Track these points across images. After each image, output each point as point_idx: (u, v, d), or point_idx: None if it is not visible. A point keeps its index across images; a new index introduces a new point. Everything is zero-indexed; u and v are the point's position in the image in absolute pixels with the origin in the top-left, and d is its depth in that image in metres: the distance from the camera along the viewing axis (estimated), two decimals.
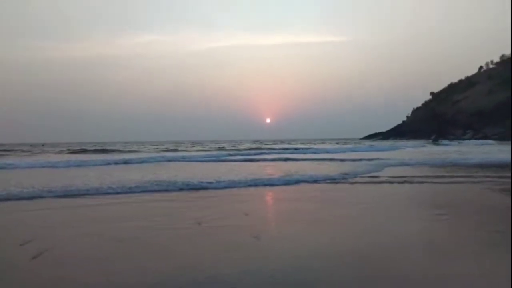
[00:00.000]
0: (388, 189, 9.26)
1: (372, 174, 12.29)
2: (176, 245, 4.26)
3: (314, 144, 54.98)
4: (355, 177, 11.49)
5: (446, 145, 45.50)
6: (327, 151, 29.77)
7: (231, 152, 28.33)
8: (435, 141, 60.70)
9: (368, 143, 61.36)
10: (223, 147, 39.43)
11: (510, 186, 9.27)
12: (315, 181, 10.62)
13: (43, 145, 58.68)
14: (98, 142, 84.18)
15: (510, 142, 41.09)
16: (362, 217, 5.85)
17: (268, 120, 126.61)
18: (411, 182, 10.25)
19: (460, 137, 78.58)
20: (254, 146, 42.81)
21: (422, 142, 57.62)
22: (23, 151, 36.50)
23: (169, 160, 20.77)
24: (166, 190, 8.96)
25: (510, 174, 11.56)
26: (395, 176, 11.37)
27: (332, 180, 10.83)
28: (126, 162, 18.78)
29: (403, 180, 10.54)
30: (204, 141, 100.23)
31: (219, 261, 3.69)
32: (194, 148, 38.96)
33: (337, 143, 55.47)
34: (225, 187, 9.51)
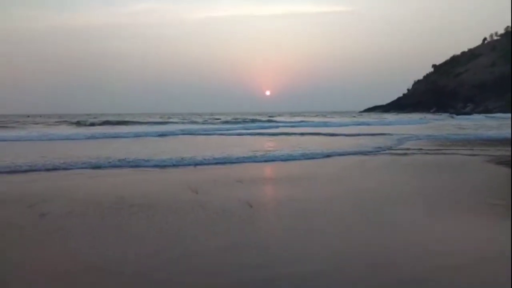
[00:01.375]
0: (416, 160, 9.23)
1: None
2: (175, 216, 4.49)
3: (316, 116, 54.08)
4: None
5: (462, 118, 43.97)
6: (350, 125, 28.99)
7: (248, 125, 27.55)
8: (451, 115, 56.56)
9: (375, 115, 60.30)
10: (237, 119, 37.84)
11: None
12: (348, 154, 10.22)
13: (28, 117, 56.95)
14: (94, 114, 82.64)
15: None
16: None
17: (267, 93, 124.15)
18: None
19: (460, 111, 77.63)
20: (261, 118, 41.55)
21: (444, 115, 54.70)
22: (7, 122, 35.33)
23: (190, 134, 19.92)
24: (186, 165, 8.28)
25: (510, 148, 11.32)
26: (431, 149, 11.12)
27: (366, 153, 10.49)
28: (161, 134, 18.48)
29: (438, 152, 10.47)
30: (203, 113, 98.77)
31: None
32: (210, 120, 37.77)
33: (353, 117, 54.22)
34: (283, 160, 9.12)
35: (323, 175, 7.38)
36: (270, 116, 51.93)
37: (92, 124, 29.02)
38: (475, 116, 49.54)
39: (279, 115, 71.69)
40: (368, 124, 30.46)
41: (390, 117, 49.91)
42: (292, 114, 75.53)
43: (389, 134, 17.31)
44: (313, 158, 9.55)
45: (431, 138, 15.82)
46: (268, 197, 5.84)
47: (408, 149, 11.29)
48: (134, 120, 37.21)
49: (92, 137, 17.01)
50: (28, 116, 57.28)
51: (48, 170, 7.70)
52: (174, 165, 8.28)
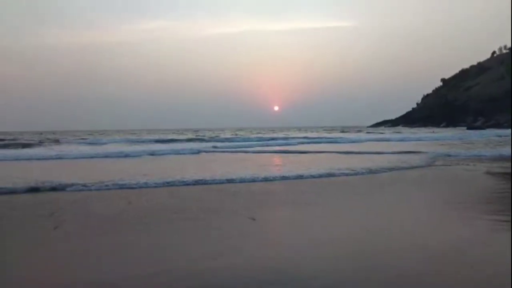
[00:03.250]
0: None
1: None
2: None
3: (328, 131, 53.70)
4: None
5: None
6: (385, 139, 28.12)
7: (266, 142, 27.04)
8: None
9: (388, 130, 59.59)
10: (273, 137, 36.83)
11: None
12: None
13: (41, 134, 56.48)
14: (106, 130, 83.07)
15: None
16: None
17: (276, 108, 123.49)
18: None
19: (471, 125, 76.81)
20: (276, 136, 41.07)
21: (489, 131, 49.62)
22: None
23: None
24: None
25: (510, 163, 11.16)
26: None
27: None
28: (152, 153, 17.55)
29: None
30: (213, 128, 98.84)
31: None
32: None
33: (368, 132, 53.57)
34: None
35: (350, 192, 7.42)
36: (274, 132, 51.64)
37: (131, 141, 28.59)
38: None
39: (287, 130, 71.54)
40: (388, 139, 29.84)
41: (404, 131, 49.34)
42: (302, 129, 75.30)
43: (421, 152, 16.69)
44: (345, 175, 9.35)
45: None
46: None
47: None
48: (165, 137, 36.18)
49: (130, 155, 16.78)
50: (41, 133, 56.63)
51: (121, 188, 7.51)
52: (188, 184, 8.17)
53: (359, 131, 58.75)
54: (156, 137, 35.75)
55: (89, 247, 4.04)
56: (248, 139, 31.12)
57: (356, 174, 9.60)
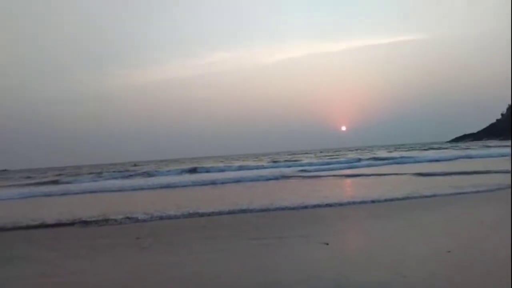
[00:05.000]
0: None
1: None
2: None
3: (409, 150, 50.59)
4: None
5: None
6: None
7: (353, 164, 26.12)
8: None
9: (474, 145, 54.64)
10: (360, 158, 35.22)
11: None
12: None
13: (134, 165, 59.21)
14: (169, 160, 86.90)
15: None
16: None
17: (343, 128, 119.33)
18: None
19: None
20: (358, 156, 39.39)
21: None
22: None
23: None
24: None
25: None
26: None
27: None
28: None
29: None
30: (281, 152, 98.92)
31: None
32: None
33: (456, 148, 49.48)
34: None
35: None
36: (371, 152, 49.61)
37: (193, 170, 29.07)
38: None
39: (358, 149, 68.93)
40: (488, 155, 26.81)
41: (494, 145, 44.59)
42: (374, 149, 72.01)
43: None
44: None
45: None
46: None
47: None
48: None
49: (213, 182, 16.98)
50: (135, 165, 57.67)
51: None
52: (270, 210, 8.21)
53: (446, 148, 54.53)
54: (237, 164, 35.15)
55: (171, 267, 4.41)
56: (329, 163, 29.61)
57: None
